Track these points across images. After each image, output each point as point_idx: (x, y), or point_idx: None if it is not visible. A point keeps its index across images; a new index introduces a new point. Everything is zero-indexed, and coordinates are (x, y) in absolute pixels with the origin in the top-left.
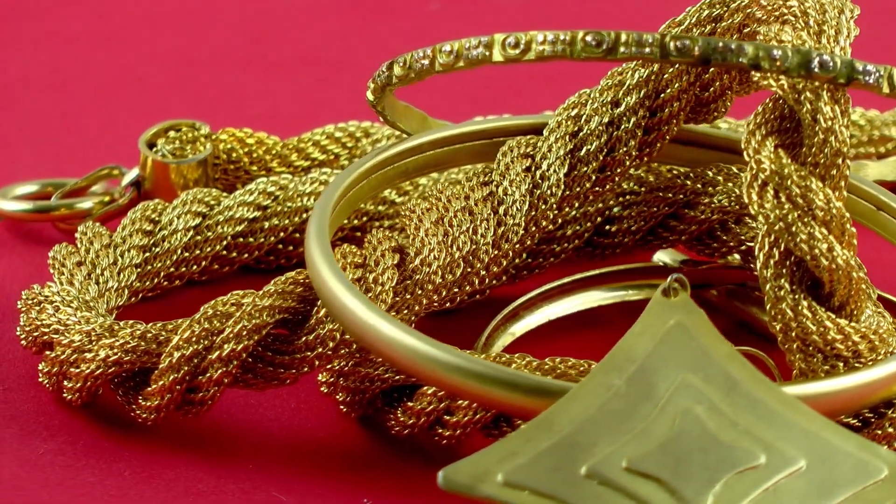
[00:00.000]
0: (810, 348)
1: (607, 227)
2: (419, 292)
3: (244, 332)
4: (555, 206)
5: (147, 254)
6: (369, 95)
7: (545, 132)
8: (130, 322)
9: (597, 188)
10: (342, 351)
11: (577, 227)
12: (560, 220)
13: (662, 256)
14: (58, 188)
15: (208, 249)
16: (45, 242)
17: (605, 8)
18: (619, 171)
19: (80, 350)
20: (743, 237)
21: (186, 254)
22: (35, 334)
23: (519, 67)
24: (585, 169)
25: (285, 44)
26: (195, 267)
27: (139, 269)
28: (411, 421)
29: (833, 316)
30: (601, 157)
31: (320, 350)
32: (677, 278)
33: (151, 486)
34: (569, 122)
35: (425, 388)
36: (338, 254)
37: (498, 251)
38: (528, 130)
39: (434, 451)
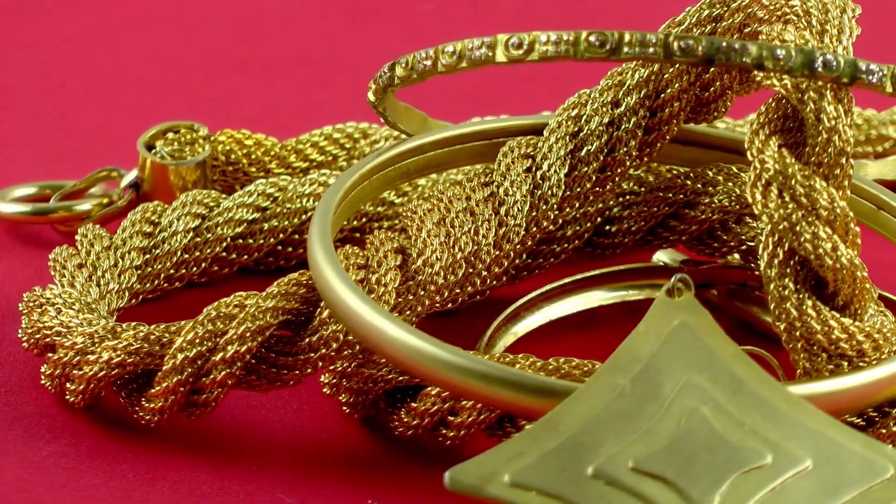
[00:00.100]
0: (815, 348)
1: (607, 228)
2: (422, 293)
3: (248, 334)
4: (555, 206)
5: (147, 255)
6: (371, 96)
7: (545, 132)
8: (133, 324)
9: (597, 188)
10: (345, 352)
11: (577, 228)
12: (560, 221)
13: (662, 256)
14: (56, 190)
15: (208, 251)
16: (43, 244)
17: (601, 8)
18: (619, 171)
19: (83, 352)
20: (743, 237)
21: (186, 255)
22: (37, 336)
23: (516, 67)
24: (586, 169)
25: (280, 45)
26: (195, 268)
27: (139, 271)
28: (415, 422)
29: (837, 315)
30: (601, 158)
31: (324, 351)
32: (681, 278)
33: (156, 487)
34: (569, 123)
35: (429, 388)
36: (340, 255)
37: (499, 252)
38: (528, 131)
39: (437, 451)
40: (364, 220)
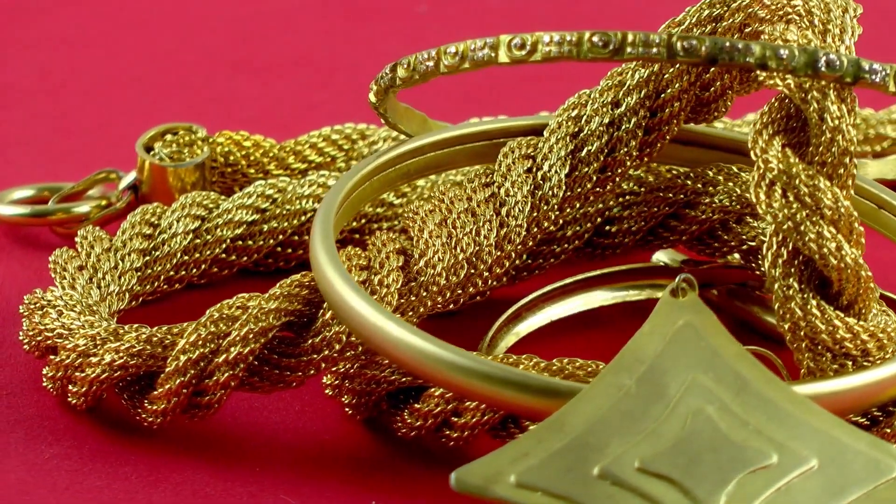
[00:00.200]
0: (819, 347)
1: (607, 228)
2: (424, 294)
3: (251, 335)
4: (556, 206)
5: (147, 257)
6: (372, 97)
7: (546, 133)
8: (135, 326)
9: (598, 189)
10: (348, 353)
11: (578, 228)
12: (561, 221)
13: (661, 256)
14: (54, 192)
15: (208, 253)
16: (42, 247)
17: (596, 7)
18: (619, 171)
19: (86, 354)
20: (744, 236)
21: (186, 257)
22: (38, 339)
23: (513, 67)
24: (587, 169)
25: (276, 46)
26: (195, 270)
27: (139, 273)
28: (418, 423)
29: (842, 315)
30: (602, 158)
31: (326, 352)
32: (685, 278)
33: (159, 489)
34: (569, 123)
35: (432, 389)
36: (342, 256)
37: (501, 252)
38: (528, 131)
39: (440, 453)
40: (363, 221)
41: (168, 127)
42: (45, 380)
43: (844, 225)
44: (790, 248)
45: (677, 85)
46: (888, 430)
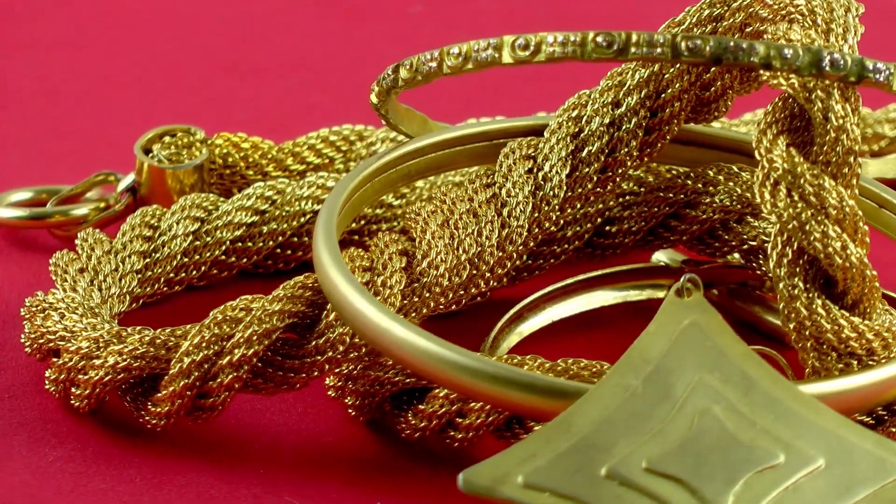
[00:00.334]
0: (824, 346)
1: (607, 228)
2: (427, 295)
3: (254, 337)
4: (557, 207)
5: (147, 259)
6: (373, 98)
7: (546, 133)
8: (138, 328)
9: (598, 189)
10: (351, 355)
11: (578, 229)
12: (561, 222)
13: (661, 256)
14: (52, 195)
15: (207, 254)
16: (40, 249)
17: (591, 8)
18: (620, 171)
19: (88, 357)
20: (745, 236)
21: (186, 259)
22: (40, 341)
23: (510, 68)
24: (587, 170)
25: (272, 48)
26: (195, 272)
27: (140, 275)
28: (423, 424)
29: (847, 314)
30: (603, 158)
31: (330, 354)
32: (690, 278)
33: (163, 492)
34: (570, 124)
35: (437, 390)
36: (345, 257)
37: (502, 253)
38: (528, 132)
39: (443, 454)
40: (362, 222)
41: (166, 129)
42: (47, 382)
43: (849, 224)
44: (795, 247)
45: (678, 85)
46: (893, 430)
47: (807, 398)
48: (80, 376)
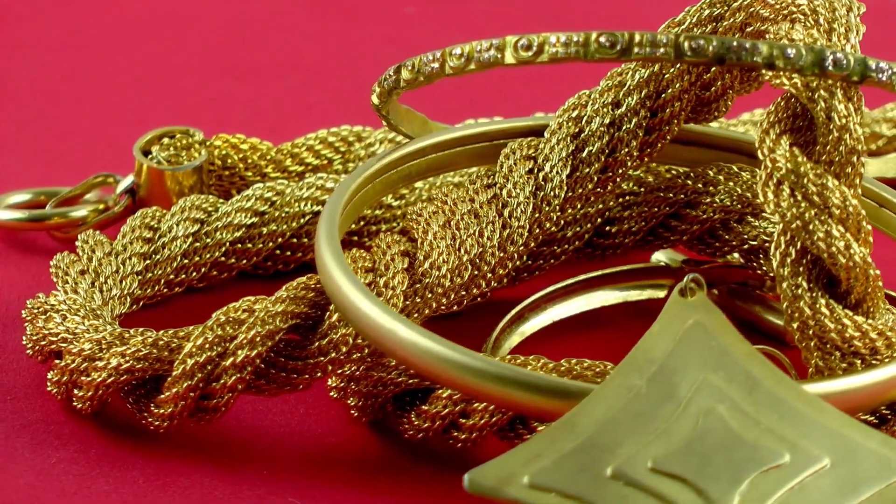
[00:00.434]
0: (828, 346)
1: (607, 228)
2: (429, 296)
3: (258, 338)
4: (558, 207)
5: (148, 261)
6: (374, 99)
7: (546, 134)
8: (141, 329)
9: (599, 189)
10: (354, 355)
11: (578, 229)
12: (562, 222)
13: (660, 256)
14: (51, 196)
15: (207, 256)
16: (39, 251)
17: (586, 7)
18: (620, 171)
19: (91, 358)
20: (745, 236)
21: (186, 261)
22: (42, 343)
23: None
24: (588, 170)
25: (265, 50)
26: (195, 274)
27: (140, 277)
28: (426, 425)
29: (850, 313)
30: (603, 159)
31: (333, 355)
32: (694, 278)
33: (167, 493)
34: (570, 124)
35: (440, 391)
36: (347, 258)
37: (504, 254)
38: (528, 132)
39: (446, 454)
40: (361, 223)
41: (165, 130)
42: (49, 384)
43: (853, 224)
44: (798, 247)
45: (678, 85)
46: None
47: (811, 397)
48: (82, 378)
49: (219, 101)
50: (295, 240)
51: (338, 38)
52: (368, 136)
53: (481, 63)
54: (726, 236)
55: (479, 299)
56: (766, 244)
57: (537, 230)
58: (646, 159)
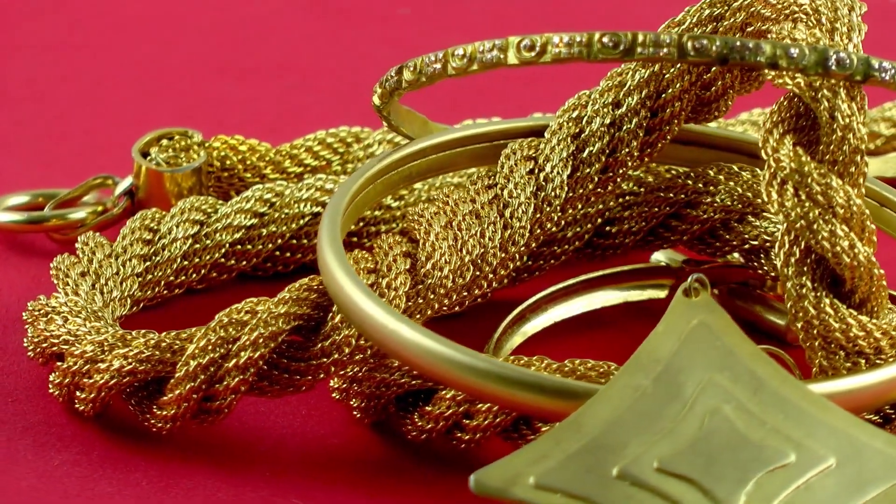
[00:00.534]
0: (832, 346)
1: (607, 228)
2: (431, 296)
3: (261, 340)
4: (559, 208)
5: (148, 263)
6: (376, 100)
7: (547, 134)
8: (143, 331)
9: (599, 189)
10: (357, 357)
11: (578, 229)
12: (563, 223)
13: (659, 257)
14: (49, 198)
15: (207, 257)
16: (38, 253)
17: (582, 7)
18: (621, 171)
19: (93, 360)
20: (746, 236)
21: (186, 262)
22: (44, 345)
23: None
24: (588, 170)
25: (262, 51)
26: (194, 275)
27: (140, 279)
28: (429, 425)
29: (854, 313)
30: (604, 159)
31: (336, 356)
32: (698, 278)
33: (170, 495)
34: (570, 124)
35: (443, 392)
36: (349, 259)
37: (505, 254)
38: (528, 133)
39: (449, 455)
40: (361, 224)
41: (164, 132)
42: (51, 386)
43: (857, 223)
44: (802, 246)
45: (678, 85)
46: None
47: (816, 397)
48: (84, 380)
49: (217, 102)
50: (294, 241)
51: (335, 39)
52: (367, 137)
53: (484, 64)
54: (727, 236)
55: (479, 300)
56: (767, 244)
57: (538, 230)
58: (646, 159)
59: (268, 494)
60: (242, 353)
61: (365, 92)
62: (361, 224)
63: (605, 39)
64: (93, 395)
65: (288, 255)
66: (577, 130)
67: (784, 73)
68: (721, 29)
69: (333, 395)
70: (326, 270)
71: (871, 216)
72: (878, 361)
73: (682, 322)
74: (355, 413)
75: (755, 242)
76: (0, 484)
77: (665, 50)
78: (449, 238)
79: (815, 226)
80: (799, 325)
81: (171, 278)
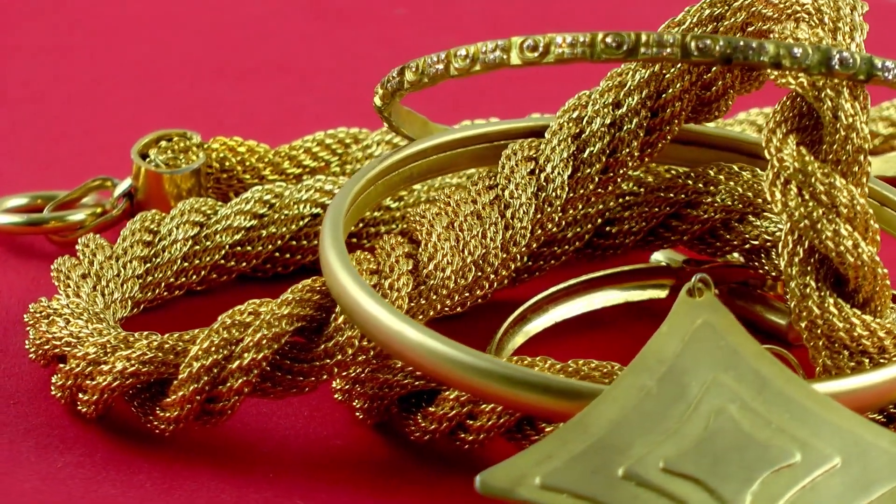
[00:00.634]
0: (836, 345)
1: (608, 229)
2: (433, 297)
3: (264, 341)
4: (559, 208)
5: (148, 264)
6: (377, 101)
7: (547, 135)
8: (145, 333)
9: (600, 189)
10: (360, 358)
11: (578, 230)
12: (563, 223)
13: (659, 257)
14: (48, 200)
15: (207, 259)
16: (37, 255)
17: (579, 8)
18: (621, 172)
19: (96, 362)
20: (747, 235)
21: (186, 264)
22: (45, 347)
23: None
24: (589, 171)
25: (258, 53)
26: (194, 277)
27: (141, 280)
28: (433, 426)
29: (858, 312)
30: (604, 159)
31: (339, 357)
32: (702, 278)
33: (174, 497)
34: (570, 125)
35: (447, 392)
36: (352, 260)
37: (506, 255)
38: (529, 133)
39: (452, 456)
40: (360, 225)
41: (162, 133)
42: (53, 388)
43: (860, 223)
44: (806, 246)
45: (678, 85)
46: None
47: (821, 396)
48: (87, 382)
49: (215, 104)
50: (294, 242)
51: (333, 40)
52: (365, 137)
53: (486, 64)
54: (727, 236)
55: (479, 300)
56: (768, 243)
57: (539, 231)
58: (646, 159)
59: (271, 496)
60: (246, 355)
61: (363, 93)
62: (361, 225)
63: (609, 40)
64: (95, 397)
65: (287, 256)
66: (578, 131)
67: (787, 72)
68: (721, 29)
69: (336, 396)
70: (329, 272)
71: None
72: (881, 361)
73: (686, 322)
74: (358, 414)
75: (755, 242)
76: (3, 486)
77: (669, 50)
78: (451, 239)
79: (818, 225)
80: (803, 325)
81: (172, 280)
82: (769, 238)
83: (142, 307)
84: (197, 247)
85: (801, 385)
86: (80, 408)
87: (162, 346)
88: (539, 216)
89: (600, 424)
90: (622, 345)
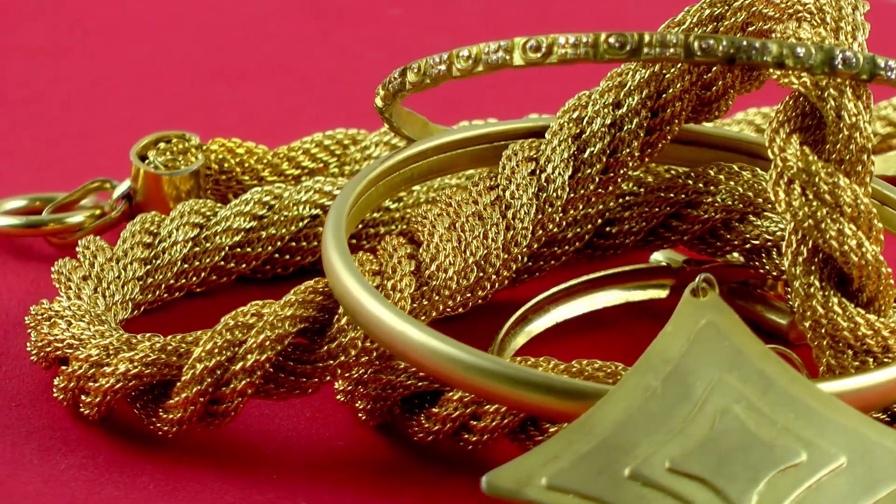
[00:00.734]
0: (840, 344)
1: (608, 229)
2: (436, 298)
3: (267, 343)
4: (560, 208)
5: (148, 266)
6: (378, 102)
7: (547, 135)
8: (148, 335)
9: (600, 189)
10: (363, 359)
11: (578, 230)
12: (564, 223)
13: (658, 257)
14: (46, 202)
15: (207, 260)
16: (36, 257)
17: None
18: (621, 172)
19: (98, 364)
20: (747, 235)
21: (186, 265)
22: (47, 350)
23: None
24: (589, 171)
25: (256, 54)
26: (195, 278)
27: (141, 282)
28: (436, 427)
29: (862, 311)
30: (604, 159)
31: (342, 358)
32: (706, 278)
33: (177, 498)
34: (571, 125)
35: (451, 393)
36: (354, 262)
37: (508, 255)
38: (529, 134)
39: (455, 457)
40: (360, 226)
41: (161, 135)
42: (55, 391)
43: (864, 222)
44: (810, 245)
45: (679, 85)
46: None
47: (825, 396)
48: (90, 384)
49: (214, 105)
50: (294, 243)
51: (331, 41)
52: (364, 138)
53: (489, 65)
54: (728, 236)
55: (480, 301)
56: (768, 243)
57: (540, 231)
58: (646, 160)
59: (274, 497)
60: (249, 356)
61: (362, 94)
62: (360, 226)
63: (612, 40)
64: (98, 399)
65: (287, 257)
66: (578, 131)
67: (790, 72)
68: (722, 29)
69: (338, 397)
70: (332, 273)
71: None
72: (885, 360)
73: (690, 322)
74: (361, 415)
75: (756, 242)
76: (6, 489)
77: (671, 50)
78: (453, 240)
79: (822, 225)
80: (807, 325)
81: (172, 281)
82: (769, 238)
83: (142, 309)
84: (197, 248)
85: (806, 385)
86: (82, 410)
87: (165, 348)
88: (540, 216)
89: (605, 425)
90: (623, 345)
